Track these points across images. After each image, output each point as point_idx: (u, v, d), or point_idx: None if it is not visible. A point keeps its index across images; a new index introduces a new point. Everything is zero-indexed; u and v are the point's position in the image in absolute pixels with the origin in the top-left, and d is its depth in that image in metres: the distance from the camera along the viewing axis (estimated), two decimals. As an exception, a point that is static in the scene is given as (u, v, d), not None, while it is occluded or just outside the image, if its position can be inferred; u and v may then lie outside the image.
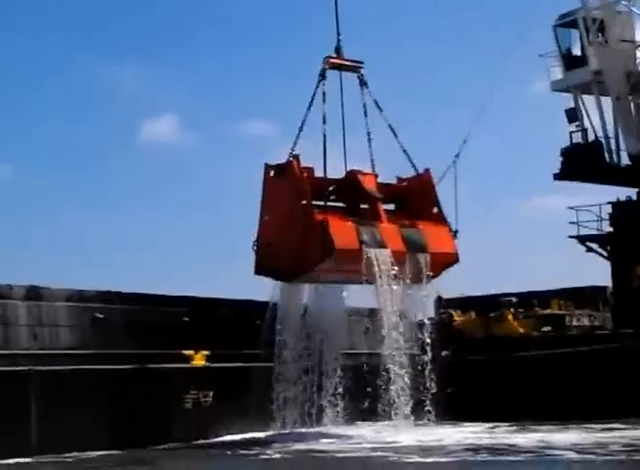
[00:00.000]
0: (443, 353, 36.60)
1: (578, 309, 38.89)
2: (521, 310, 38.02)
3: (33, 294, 25.29)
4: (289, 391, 29.52)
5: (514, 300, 38.54)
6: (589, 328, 38.10)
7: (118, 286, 28.84)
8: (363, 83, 29.59)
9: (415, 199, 29.69)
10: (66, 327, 25.83)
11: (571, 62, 41.01)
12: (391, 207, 30.48)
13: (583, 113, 40.89)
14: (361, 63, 29.92)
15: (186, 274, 60.18)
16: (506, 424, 31.83)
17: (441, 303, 41.35)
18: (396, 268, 27.42)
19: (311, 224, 26.58)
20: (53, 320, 25.54)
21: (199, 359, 28.38)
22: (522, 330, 36.80)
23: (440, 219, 29.76)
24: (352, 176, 28.79)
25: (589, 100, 40.91)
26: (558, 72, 41.45)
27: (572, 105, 41.06)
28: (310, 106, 28.54)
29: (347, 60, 29.68)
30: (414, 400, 29.72)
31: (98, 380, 25.37)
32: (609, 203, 40.50)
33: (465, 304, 40.25)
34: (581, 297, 39.67)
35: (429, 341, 31.12)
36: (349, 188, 28.66)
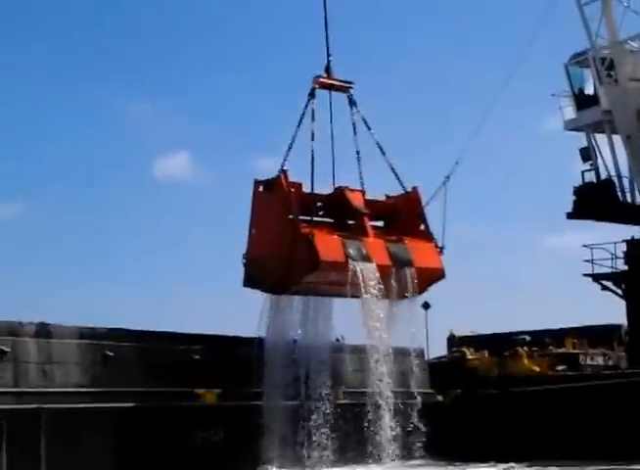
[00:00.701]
0: (455, 392, 36.42)
1: (592, 348, 38.61)
2: (534, 349, 37.75)
3: (43, 331, 25.12)
4: (277, 429, 29.30)
5: (527, 338, 38.29)
6: (604, 367, 37.78)
7: (130, 323, 28.76)
8: (352, 103, 30.40)
9: (403, 216, 30.50)
10: (76, 365, 25.65)
11: (583, 101, 41.08)
12: (380, 223, 31.08)
13: (596, 152, 40.93)
14: (350, 83, 30.64)
15: (199, 311, 60.09)
16: (522, 465, 31.43)
17: (454, 341, 41.22)
18: (380, 283, 27.85)
19: (298, 238, 27.14)
20: (63, 358, 25.36)
21: (210, 397, 28.16)
22: (537, 369, 36.49)
23: (427, 236, 30.47)
24: (340, 192, 29.48)
25: (602, 139, 40.96)
26: (571, 111, 41.54)
27: (586, 144, 41.15)
28: (300, 124, 29.34)
29: (337, 80, 30.43)
30: (403, 440, 29.95)
31: (108, 418, 25.17)
32: (623, 241, 40.32)
33: (477, 342, 40.05)
34: (595, 335, 39.39)
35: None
36: (338, 204, 29.38)
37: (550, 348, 37.93)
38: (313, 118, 29.33)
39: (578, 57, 41.01)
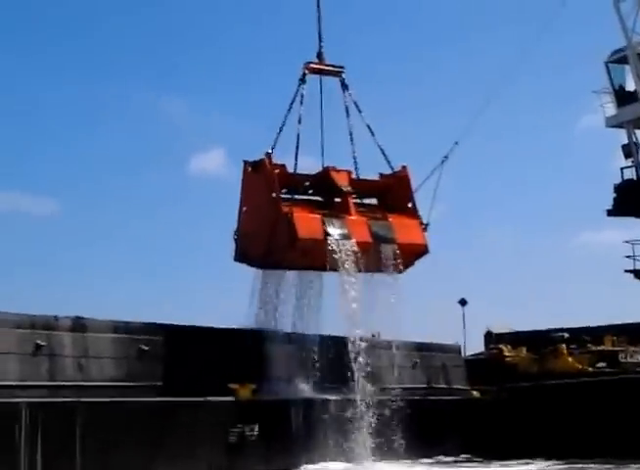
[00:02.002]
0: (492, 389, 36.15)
1: (632, 346, 38.07)
2: (573, 346, 37.33)
3: (79, 325, 25.17)
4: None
5: (565, 335, 37.88)
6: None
7: (165, 318, 28.75)
8: (345, 86, 31.74)
9: (393, 193, 31.64)
10: (111, 359, 25.67)
11: (623, 97, 40.87)
12: (374, 201, 32.43)
13: (638, 148, 40.61)
14: (341, 67, 32.02)
15: (228, 307, 60.03)
16: (563, 462, 31.05)
17: (491, 337, 40.89)
18: (360, 259, 28.86)
19: (279, 216, 28.64)
20: (98, 352, 25.38)
21: (244, 393, 28.03)
22: (577, 366, 36.08)
23: (413, 213, 31.50)
24: (326, 172, 30.83)
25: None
26: (612, 108, 41.26)
27: (627, 140, 40.81)
28: (290, 109, 30.81)
29: (327, 65, 31.84)
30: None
31: (143, 412, 25.05)
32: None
33: (514, 339, 39.71)
34: (636, 333, 38.87)
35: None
36: (324, 183, 30.70)
37: (589, 345, 37.48)
38: (302, 103, 30.79)
39: (618, 54, 40.75)
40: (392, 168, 31.74)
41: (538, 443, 33.16)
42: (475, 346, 42.46)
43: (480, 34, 79.86)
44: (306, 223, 28.72)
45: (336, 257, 28.65)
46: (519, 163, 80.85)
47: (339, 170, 30.90)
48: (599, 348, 37.18)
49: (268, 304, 30.50)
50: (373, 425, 29.91)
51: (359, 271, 29.21)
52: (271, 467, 27.69)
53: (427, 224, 31.60)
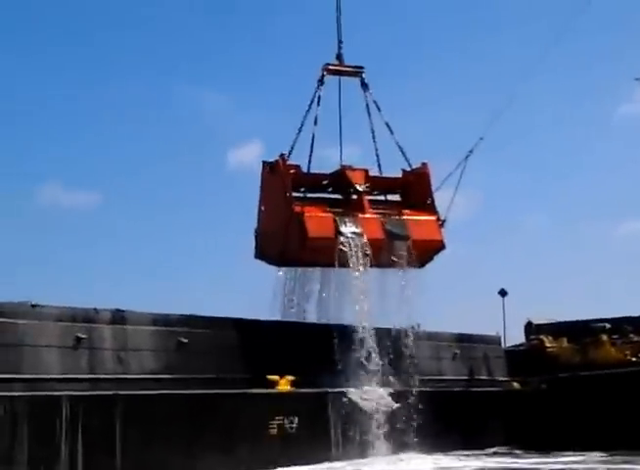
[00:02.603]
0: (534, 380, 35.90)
1: (676, 336, 37.57)
2: (614, 337, 36.92)
3: (118, 318, 25.19)
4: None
5: (607, 325, 37.46)
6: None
7: (204, 311, 28.75)
8: (364, 86, 32.32)
9: (412, 190, 32.25)
10: (150, 351, 25.68)
11: None
12: (396, 197, 33.11)
13: None
14: (361, 67, 32.58)
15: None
16: (608, 454, 30.74)
17: (531, 328, 40.54)
18: (370, 256, 29.60)
19: (291, 215, 29.68)
20: (138, 344, 25.41)
21: (284, 384, 27.99)
22: (619, 356, 35.70)
23: (431, 209, 31.97)
24: (342, 172, 31.50)
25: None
26: None
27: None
28: (309, 109, 31.49)
29: (347, 66, 32.44)
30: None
31: (183, 405, 25.10)
32: None
33: (555, 329, 39.34)
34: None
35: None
36: (340, 182, 31.49)
37: (631, 335, 37.05)
38: (319, 104, 31.50)
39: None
40: (411, 166, 32.26)
41: (579, 434, 32.79)
42: (515, 337, 42.21)
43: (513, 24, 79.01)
44: (317, 222, 29.58)
45: (347, 254, 29.39)
46: (558, 153, 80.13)
47: (355, 169, 31.52)
48: (641, 338, 36.76)
49: (293, 298, 31.29)
50: (414, 417, 29.85)
51: (370, 267, 29.89)
52: (311, 460, 27.63)
53: (444, 220, 31.97)
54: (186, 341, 26.40)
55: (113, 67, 74.64)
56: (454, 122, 71.34)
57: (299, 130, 31.19)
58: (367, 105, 32.25)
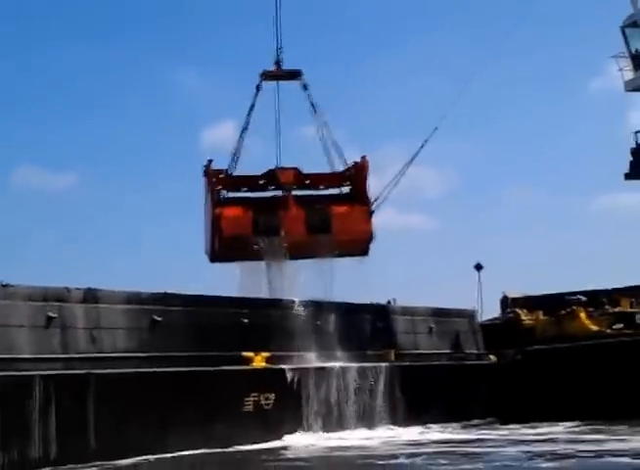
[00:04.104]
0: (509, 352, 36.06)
1: (648, 307, 37.78)
2: (590, 309, 37.08)
3: (91, 296, 24.97)
4: None
5: (582, 298, 37.59)
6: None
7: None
8: (305, 87, 33.61)
9: (352, 183, 33.62)
10: (123, 330, 25.49)
11: (638, 62, 40.40)
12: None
13: None
14: (298, 71, 33.75)
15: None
16: (586, 423, 30.95)
17: (507, 302, 40.64)
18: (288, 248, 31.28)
19: (213, 215, 31.95)
20: (111, 323, 25.22)
21: (259, 361, 27.93)
22: (594, 327, 35.89)
23: (364, 201, 33.04)
24: (271, 172, 33.11)
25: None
26: (630, 73, 40.92)
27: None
28: (250, 114, 32.92)
29: (283, 71, 33.63)
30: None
31: (157, 383, 24.97)
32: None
33: (531, 303, 39.46)
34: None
35: None
36: (272, 181, 33.21)
37: (606, 307, 37.22)
38: (251, 112, 32.96)
39: (632, 18, 40.15)
40: (346, 162, 33.38)
41: (555, 405, 33.06)
42: (491, 311, 42.26)
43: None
44: (234, 222, 31.61)
45: (261, 249, 31.34)
46: (531, 127, 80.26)
47: (285, 169, 32.97)
48: (616, 309, 36.93)
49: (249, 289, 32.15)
50: (389, 391, 29.96)
51: (296, 259, 31.91)
52: (287, 434, 27.62)
53: (372, 212, 33.08)
54: (160, 319, 26.24)
55: (84, 46, 74.06)
56: (430, 97, 71.19)
57: (242, 134, 32.82)
58: (312, 103, 33.55)
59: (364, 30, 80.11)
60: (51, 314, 23.79)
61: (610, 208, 72.55)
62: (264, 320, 28.85)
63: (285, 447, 26.25)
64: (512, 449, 24.90)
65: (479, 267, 45.99)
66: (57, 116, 73.64)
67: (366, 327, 32.49)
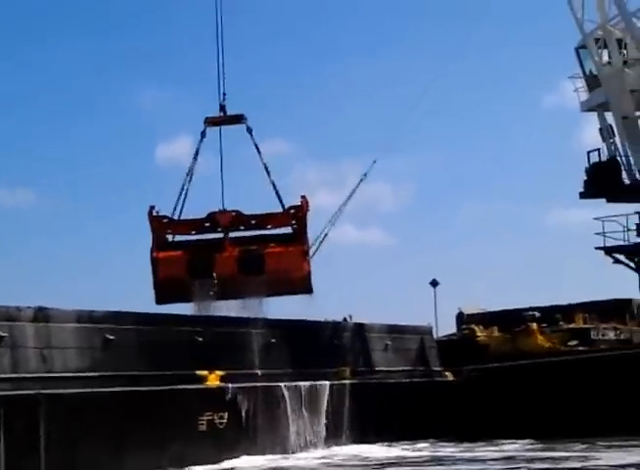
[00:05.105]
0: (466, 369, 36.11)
1: (604, 323, 38.08)
2: (544, 325, 37.30)
3: (42, 315, 24.52)
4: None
5: (537, 314, 37.83)
6: (616, 342, 37.35)
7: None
8: (249, 130, 33.73)
9: (289, 223, 33.59)
10: (75, 349, 25.09)
11: (593, 82, 41.15)
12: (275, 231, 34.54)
13: (610, 131, 41.06)
14: (242, 115, 34.01)
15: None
16: (540, 442, 31.04)
17: (462, 318, 40.78)
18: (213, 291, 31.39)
19: (151, 259, 32.31)
20: (62, 342, 24.83)
21: (213, 380, 27.69)
22: (548, 344, 36.09)
23: (302, 240, 33.09)
24: (211, 216, 33.49)
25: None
26: (584, 93, 41.84)
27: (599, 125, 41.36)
28: (196, 157, 33.13)
29: (227, 117, 33.93)
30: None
31: (109, 403, 24.61)
32: (636, 213, 39.98)
33: (486, 319, 39.64)
34: (606, 310, 38.90)
35: None
36: (212, 224, 33.58)
37: (560, 323, 37.46)
38: (196, 157, 33.12)
39: (585, 41, 40.91)
40: (283, 206, 33.25)
41: (510, 423, 33.08)
42: (447, 327, 42.39)
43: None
44: (170, 265, 31.95)
45: (197, 292, 31.33)
46: (487, 141, 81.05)
47: (225, 211, 33.30)
48: (570, 326, 37.20)
49: None
50: (341, 411, 29.92)
51: (223, 300, 31.88)
52: (241, 454, 27.41)
53: (306, 251, 33.11)
54: (112, 337, 25.91)
55: (39, 56, 73.42)
56: (391, 109, 71.45)
57: (190, 180, 32.87)
58: (256, 145, 33.67)
59: (324, 42, 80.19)
60: (1, 333, 23.37)
61: (562, 223, 73.32)
62: (219, 338, 28.62)
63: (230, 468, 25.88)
64: (464, 468, 24.89)
65: (434, 284, 46.18)
66: (7, 130, 72.83)
67: (321, 345, 32.34)
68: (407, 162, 72.52)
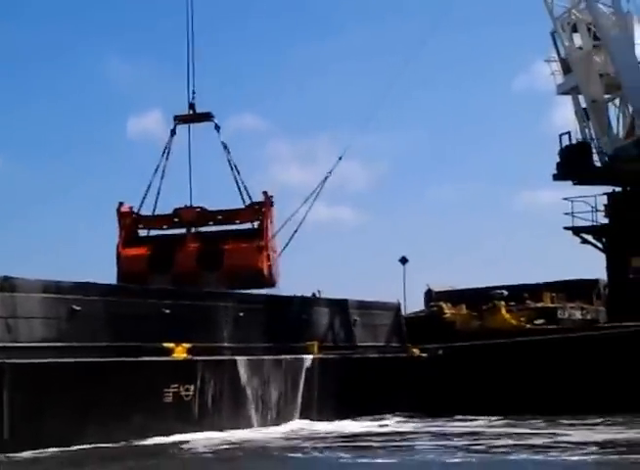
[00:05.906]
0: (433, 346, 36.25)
1: (570, 302, 38.41)
2: (512, 303, 37.53)
3: (7, 285, 24.29)
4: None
5: (504, 293, 38.04)
6: (582, 321, 37.68)
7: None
8: (217, 128, 35.09)
9: (252, 219, 34.91)
10: (41, 319, 24.90)
11: (567, 66, 41.34)
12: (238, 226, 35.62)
13: (586, 114, 41.24)
14: (209, 113, 35.26)
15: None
16: (506, 418, 31.22)
17: (431, 295, 40.94)
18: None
19: (116, 254, 33.86)
20: (28, 312, 24.64)
21: (179, 352, 27.62)
22: (515, 322, 36.34)
23: (260, 237, 34.01)
24: (176, 212, 34.73)
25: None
26: (560, 76, 42.03)
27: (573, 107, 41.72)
28: (167, 157, 34.32)
29: (196, 114, 35.12)
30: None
31: (75, 373, 24.47)
32: (604, 194, 40.23)
33: (455, 297, 39.83)
34: (573, 290, 39.25)
35: None
36: (178, 220, 34.87)
37: (528, 302, 37.71)
38: (167, 157, 34.33)
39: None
40: (251, 200, 34.39)
41: (475, 400, 33.33)
42: (416, 304, 42.55)
43: None
44: (132, 260, 33.36)
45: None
46: (460, 120, 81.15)
47: (189, 208, 34.46)
48: (538, 304, 37.47)
49: None
50: (307, 385, 29.96)
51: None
52: (207, 428, 27.39)
53: (261, 247, 33.61)
54: (79, 308, 25.74)
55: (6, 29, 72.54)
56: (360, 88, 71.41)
57: (160, 175, 33.98)
58: (223, 143, 34.75)
59: (294, 17, 79.84)
60: (-35, 303, 23.21)
61: (532, 204, 73.66)
62: (186, 311, 28.47)
63: (186, 441, 25.81)
64: (427, 443, 25.03)
65: (404, 261, 46.24)
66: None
67: (290, 319, 32.30)
68: (379, 140, 72.61)
